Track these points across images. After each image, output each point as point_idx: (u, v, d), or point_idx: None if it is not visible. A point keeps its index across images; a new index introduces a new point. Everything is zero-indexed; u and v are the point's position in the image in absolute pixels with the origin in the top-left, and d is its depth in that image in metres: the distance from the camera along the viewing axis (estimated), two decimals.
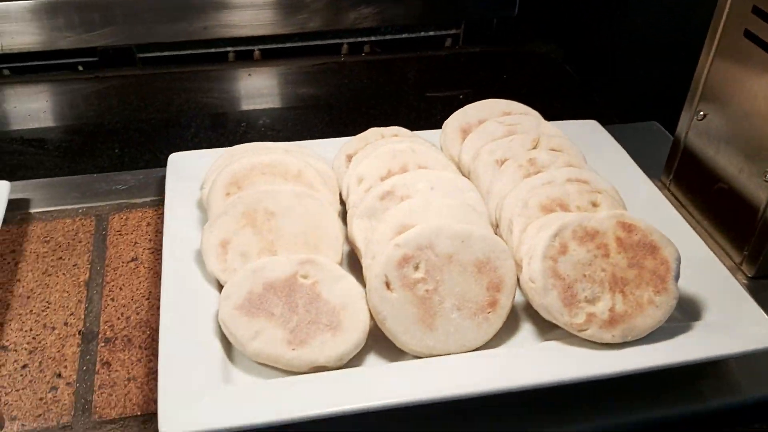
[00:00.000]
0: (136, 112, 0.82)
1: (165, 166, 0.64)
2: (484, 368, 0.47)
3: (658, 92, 0.85)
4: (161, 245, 0.56)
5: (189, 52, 0.92)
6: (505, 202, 0.56)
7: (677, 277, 0.50)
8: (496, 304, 0.50)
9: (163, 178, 0.63)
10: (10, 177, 0.64)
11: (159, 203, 0.65)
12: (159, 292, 0.51)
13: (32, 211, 0.65)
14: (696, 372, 0.51)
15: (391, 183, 0.56)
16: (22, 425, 0.47)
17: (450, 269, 0.50)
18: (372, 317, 0.49)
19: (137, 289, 0.57)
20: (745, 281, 0.60)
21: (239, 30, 0.91)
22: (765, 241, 0.57)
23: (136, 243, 0.61)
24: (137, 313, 0.55)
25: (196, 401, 0.44)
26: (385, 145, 0.61)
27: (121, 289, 0.57)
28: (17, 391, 0.49)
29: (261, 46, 0.94)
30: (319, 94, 0.88)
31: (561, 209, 0.54)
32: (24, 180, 0.68)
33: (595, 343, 0.48)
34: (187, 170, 0.63)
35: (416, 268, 0.49)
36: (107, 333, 0.53)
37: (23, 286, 0.57)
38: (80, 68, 0.90)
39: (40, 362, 0.51)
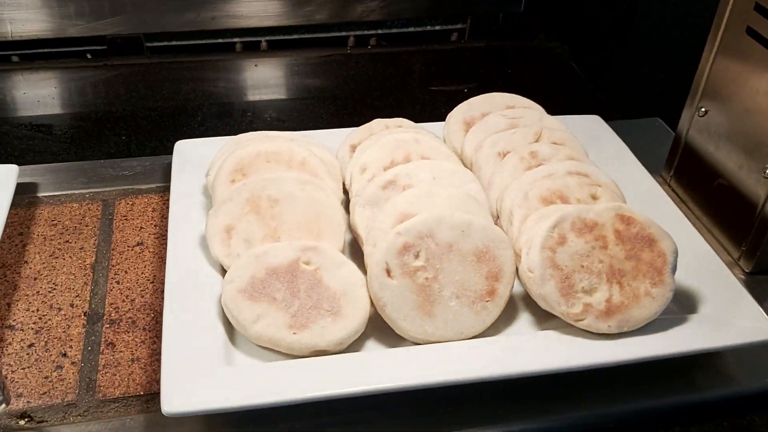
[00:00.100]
0: (143, 100, 0.83)
1: (171, 153, 0.65)
2: (481, 355, 0.48)
3: (662, 89, 0.85)
4: (166, 230, 0.56)
5: (196, 42, 0.93)
6: (506, 193, 0.57)
7: (674, 269, 0.51)
8: (495, 293, 0.51)
9: (169, 164, 0.64)
10: (18, 161, 0.65)
11: (165, 189, 0.66)
12: (163, 276, 0.52)
13: (40, 195, 0.66)
14: (691, 363, 0.52)
15: (393, 172, 0.57)
16: (28, 402, 0.48)
17: (450, 258, 0.50)
18: (372, 304, 0.50)
19: (142, 273, 0.58)
20: (742, 276, 0.60)
21: (247, 21, 0.91)
22: (763, 237, 0.58)
23: (141, 228, 0.62)
24: (142, 296, 0.56)
25: (198, 382, 0.45)
26: (388, 135, 0.62)
27: (126, 272, 0.58)
28: (23, 369, 0.50)
29: (268, 37, 0.94)
30: (325, 86, 0.89)
31: (561, 201, 0.55)
32: (32, 164, 0.69)
33: (591, 333, 0.49)
34: (193, 157, 0.64)
35: (417, 256, 0.50)
36: (112, 315, 0.54)
37: (30, 268, 0.58)
38: (89, 56, 0.91)
39: (46, 342, 0.52)
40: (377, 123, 0.66)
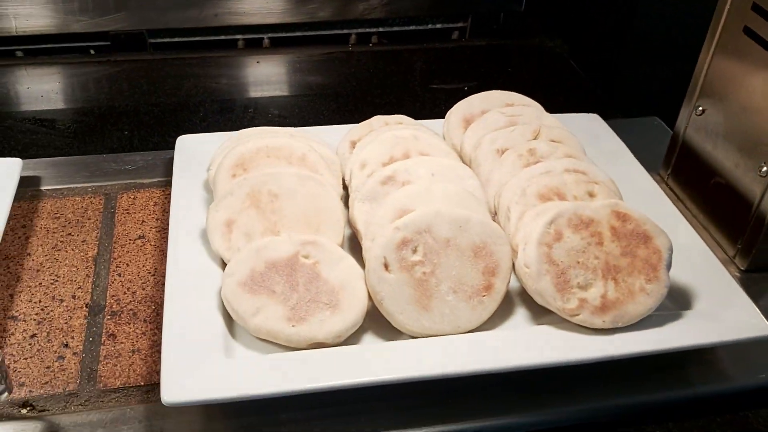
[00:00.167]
0: (146, 95, 0.84)
1: (173, 148, 0.66)
2: (476, 349, 0.48)
3: (661, 88, 0.86)
4: (168, 224, 0.57)
5: (199, 38, 0.94)
6: (504, 189, 0.57)
7: (669, 266, 0.51)
8: (491, 288, 0.51)
9: (171, 159, 0.65)
10: (22, 155, 0.65)
11: (166, 184, 0.67)
12: (164, 268, 0.53)
13: (43, 188, 0.66)
14: (685, 359, 0.53)
15: (392, 168, 0.58)
16: (29, 391, 0.49)
17: (447, 253, 0.51)
18: (370, 297, 0.51)
19: (143, 266, 0.59)
20: (737, 274, 0.61)
21: (249, 18, 0.92)
22: (758, 235, 0.59)
23: (143, 221, 0.63)
24: (143, 289, 0.57)
25: (198, 373, 0.46)
26: (388, 131, 0.62)
27: (127, 265, 0.59)
28: (25, 359, 0.51)
29: (270, 35, 0.95)
30: (326, 83, 0.89)
31: (558, 198, 0.56)
32: (36, 158, 0.70)
33: (586, 328, 0.50)
34: (195, 152, 0.65)
35: (414, 250, 0.51)
36: (113, 306, 0.55)
37: (33, 260, 0.59)
38: (92, 52, 0.91)
39: (48, 332, 0.53)
40: (377, 120, 0.67)
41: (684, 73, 0.69)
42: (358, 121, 0.67)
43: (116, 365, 0.51)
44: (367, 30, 0.97)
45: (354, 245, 0.58)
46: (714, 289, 0.54)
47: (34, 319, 0.54)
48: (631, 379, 0.51)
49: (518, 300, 0.54)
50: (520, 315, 0.53)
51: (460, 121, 0.67)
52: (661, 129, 0.78)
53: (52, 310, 0.54)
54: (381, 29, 0.98)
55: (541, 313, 0.53)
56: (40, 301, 0.55)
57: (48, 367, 0.50)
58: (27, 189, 0.66)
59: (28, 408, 0.48)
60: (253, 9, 0.91)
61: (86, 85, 0.86)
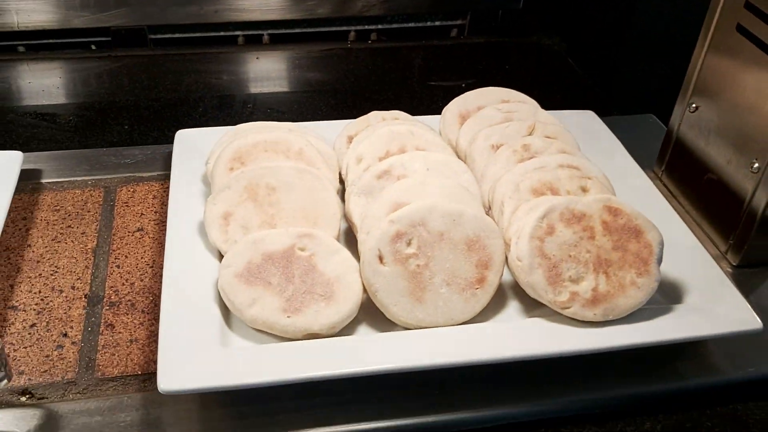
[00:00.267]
0: (146, 90, 0.85)
1: (172, 142, 0.67)
2: (469, 340, 0.49)
3: (659, 86, 0.86)
4: (166, 217, 0.58)
5: (199, 34, 0.94)
6: (498, 184, 0.58)
7: (660, 260, 0.52)
8: (484, 281, 0.52)
9: (170, 153, 0.65)
10: (23, 149, 0.66)
11: (165, 177, 0.67)
12: (162, 260, 0.54)
13: (44, 181, 0.67)
14: (675, 352, 0.53)
15: (388, 163, 0.58)
16: (29, 379, 0.49)
17: (441, 246, 0.52)
18: (365, 289, 0.52)
19: (142, 258, 0.59)
20: (729, 269, 0.61)
21: (249, 14, 0.93)
22: (750, 231, 0.59)
23: (142, 214, 0.64)
24: (141, 280, 0.57)
25: (194, 362, 0.46)
26: (384, 127, 0.63)
27: (126, 257, 0.59)
28: (25, 348, 0.51)
29: (270, 31, 0.96)
30: (325, 79, 0.90)
31: (551, 193, 0.56)
32: (37, 152, 0.70)
33: (577, 320, 0.50)
34: (194, 146, 0.66)
35: (409, 243, 0.51)
36: (112, 297, 0.56)
37: (33, 252, 0.59)
38: (93, 47, 0.92)
39: (48, 322, 0.53)
40: (374, 115, 0.67)
41: (681, 71, 0.69)
42: (356, 117, 0.68)
43: (114, 354, 0.51)
44: (366, 27, 0.98)
45: (350, 238, 0.59)
46: (705, 284, 0.54)
47: (34, 309, 0.54)
48: (621, 372, 0.52)
49: (511, 293, 0.55)
50: (513, 308, 0.54)
51: (456, 117, 0.68)
52: (656, 126, 0.79)
53: (51, 301, 0.55)
54: (380, 26, 0.98)
55: (533, 306, 0.54)
56: (39, 292, 0.56)
57: (47, 356, 0.51)
58: (28, 182, 0.67)
59: (28, 396, 0.48)
60: (253, 5, 0.92)
61: (87, 80, 0.87)
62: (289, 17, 0.95)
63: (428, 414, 0.49)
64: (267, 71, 0.92)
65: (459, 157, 0.64)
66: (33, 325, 0.53)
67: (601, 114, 0.73)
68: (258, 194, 0.56)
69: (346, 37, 0.98)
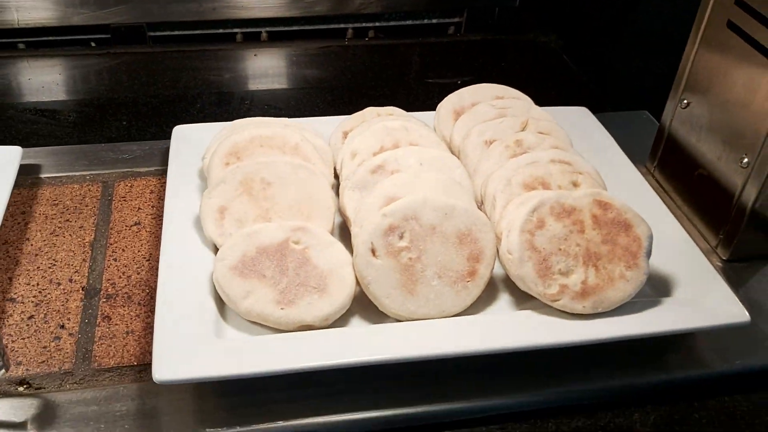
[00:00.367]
0: (145, 87, 0.86)
1: (170, 138, 0.67)
2: (460, 332, 0.50)
3: (654, 84, 0.87)
4: (163, 211, 0.59)
5: (198, 32, 0.95)
6: (491, 179, 0.59)
7: (648, 253, 0.52)
8: (475, 274, 0.53)
9: (168, 148, 0.66)
10: (23, 145, 0.67)
11: (163, 173, 0.68)
12: (159, 253, 0.54)
13: (42, 176, 0.68)
14: (664, 345, 0.54)
15: (382, 158, 0.59)
16: (27, 370, 0.50)
17: (433, 239, 0.52)
18: (358, 282, 0.52)
19: (138, 251, 0.60)
20: (719, 264, 0.62)
21: (247, 12, 0.94)
22: (739, 226, 0.60)
23: (139, 209, 0.65)
24: (138, 273, 0.58)
25: (188, 352, 0.47)
26: (379, 122, 0.64)
27: (123, 250, 0.60)
28: (23, 339, 0.52)
29: (268, 28, 0.97)
30: (322, 76, 0.91)
31: (543, 187, 0.57)
32: (36, 147, 0.71)
33: (566, 313, 0.51)
34: (191, 142, 0.66)
35: (401, 237, 0.52)
36: (109, 290, 0.57)
37: (32, 245, 0.60)
38: (93, 44, 0.93)
39: (45, 314, 0.54)
40: (369, 111, 0.68)
41: (677, 69, 0.70)
42: (352, 114, 0.68)
43: (111, 346, 0.52)
44: (364, 25, 0.99)
45: (344, 232, 0.59)
46: (694, 278, 0.55)
47: (32, 302, 0.55)
48: (610, 364, 0.53)
49: (501, 285, 0.56)
50: (503, 300, 0.55)
51: (451, 113, 0.69)
52: (649, 122, 0.79)
53: (49, 293, 0.56)
54: (377, 24, 0.99)
55: (523, 299, 0.54)
56: (38, 284, 0.57)
57: (45, 347, 0.52)
58: (27, 177, 0.67)
59: (25, 386, 0.49)
60: (252, 3, 0.93)
61: (87, 76, 0.88)
62: (287, 15, 0.95)
63: (421, 404, 0.50)
64: (265, 68, 0.93)
65: (453, 153, 0.64)
66: (31, 316, 0.54)
67: (596, 111, 0.74)
68: (253, 188, 0.57)
69: (344, 34, 0.99)
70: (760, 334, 0.55)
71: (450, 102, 0.70)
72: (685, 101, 0.65)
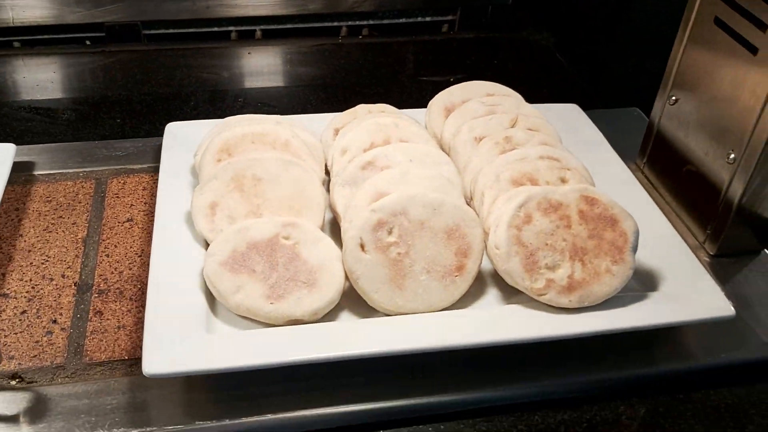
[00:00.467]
0: (139, 85, 0.86)
1: (163, 135, 0.68)
2: (448, 326, 0.50)
3: (647, 82, 0.87)
4: (155, 208, 0.59)
5: (193, 30, 0.96)
6: (480, 175, 0.59)
7: (635, 248, 0.53)
8: (463, 269, 0.53)
9: (161, 146, 0.67)
10: (17, 142, 0.67)
11: (155, 170, 0.68)
12: (151, 249, 0.55)
13: (36, 173, 0.68)
14: (650, 339, 0.55)
15: (372, 154, 0.59)
16: (19, 364, 0.51)
17: (421, 235, 0.53)
18: (347, 277, 0.53)
19: (131, 247, 0.61)
20: (707, 259, 0.63)
21: (241, 10, 0.94)
22: (726, 221, 0.60)
23: (132, 205, 0.65)
24: (130, 269, 0.59)
25: (178, 346, 0.48)
26: (370, 119, 0.64)
27: (115, 246, 0.61)
28: (15, 334, 0.53)
29: (262, 27, 0.97)
30: (316, 74, 0.91)
31: (531, 183, 0.57)
32: (30, 144, 0.72)
33: (553, 307, 0.51)
34: (183, 139, 0.67)
35: (390, 232, 0.53)
36: (101, 285, 0.57)
37: (25, 241, 0.61)
38: (87, 43, 0.93)
39: (38, 309, 0.55)
40: (361, 108, 0.68)
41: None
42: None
43: (102, 340, 0.53)
44: (358, 23, 0.99)
45: (335, 228, 0.60)
46: (680, 272, 0.56)
47: (25, 297, 0.56)
48: (597, 357, 0.53)
49: (489, 280, 0.56)
50: (491, 295, 0.55)
51: (442, 110, 0.69)
52: (640, 119, 0.80)
53: (42, 288, 0.56)
54: (371, 22, 1.00)
55: (510, 293, 0.55)
56: (30, 280, 0.57)
57: (37, 342, 0.52)
58: (21, 174, 0.68)
59: (17, 379, 0.50)
60: (246, 1, 0.93)
61: (81, 74, 0.88)
62: (281, 13, 0.96)
63: (409, 397, 0.50)
64: (259, 66, 0.94)
65: (443, 150, 0.65)
66: (24, 312, 0.55)
67: (588, 107, 0.74)
68: (244, 185, 0.58)
69: (338, 32, 0.99)
70: (745, 329, 0.56)
71: (441, 99, 0.70)
72: (674, 98, 0.66)
